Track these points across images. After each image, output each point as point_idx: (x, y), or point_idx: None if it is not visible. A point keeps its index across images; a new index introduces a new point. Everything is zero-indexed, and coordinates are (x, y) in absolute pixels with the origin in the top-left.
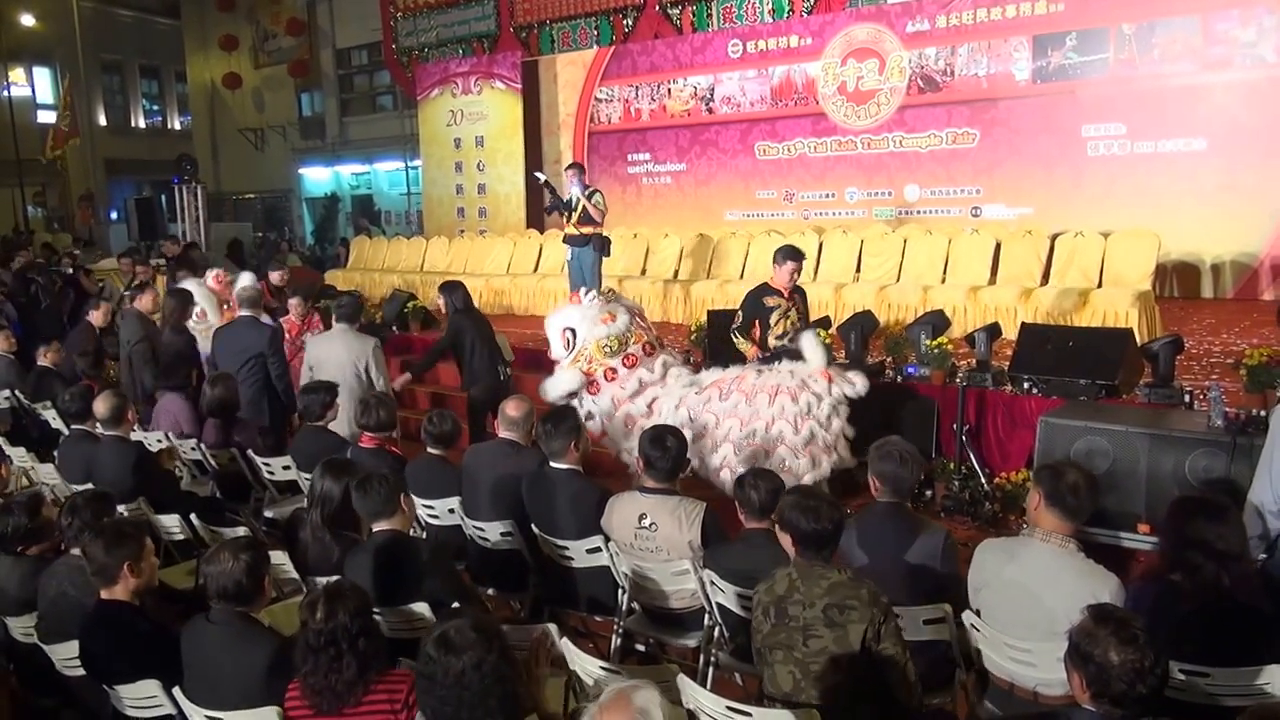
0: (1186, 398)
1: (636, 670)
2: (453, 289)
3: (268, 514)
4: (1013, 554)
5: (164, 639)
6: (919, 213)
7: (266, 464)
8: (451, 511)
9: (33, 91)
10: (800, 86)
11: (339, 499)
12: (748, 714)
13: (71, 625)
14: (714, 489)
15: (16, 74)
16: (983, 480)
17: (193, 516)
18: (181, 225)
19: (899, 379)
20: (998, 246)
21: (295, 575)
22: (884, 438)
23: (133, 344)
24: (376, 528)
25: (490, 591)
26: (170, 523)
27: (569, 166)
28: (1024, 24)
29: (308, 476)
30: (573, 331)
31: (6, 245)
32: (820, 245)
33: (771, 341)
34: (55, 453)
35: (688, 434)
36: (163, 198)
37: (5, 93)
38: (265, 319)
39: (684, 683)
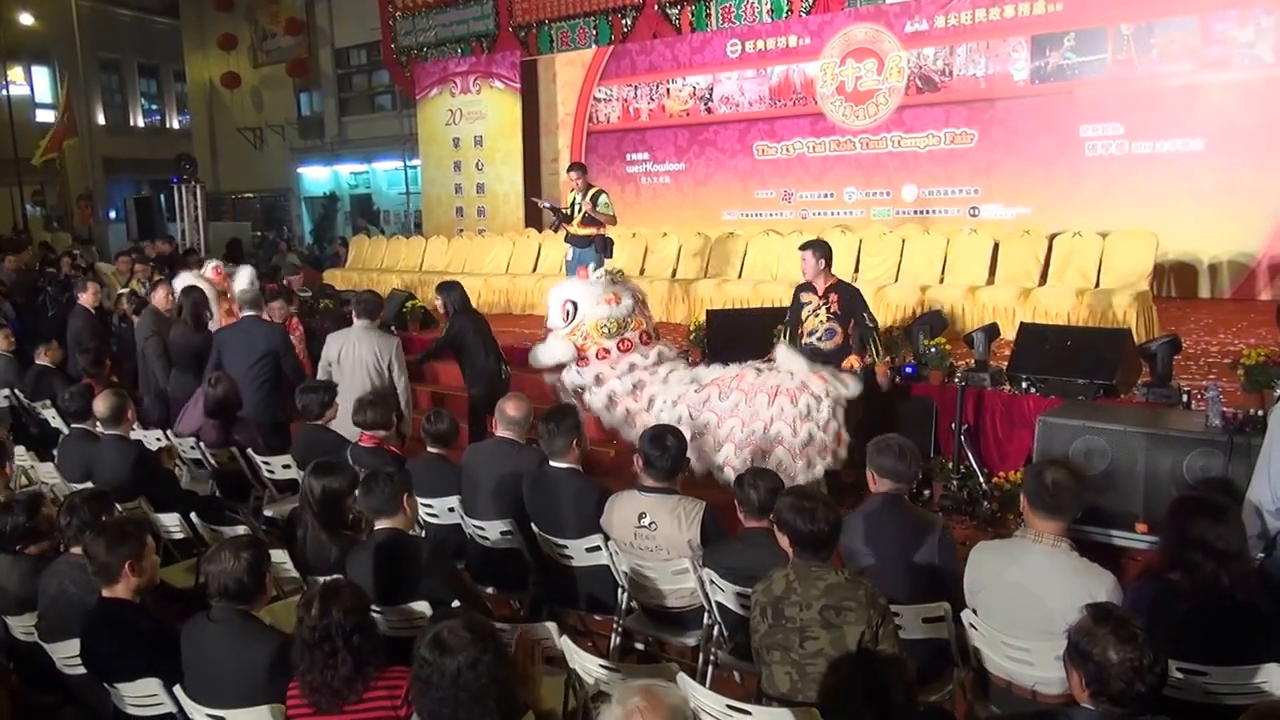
0: (1184, 397)
1: (636, 669)
2: (450, 289)
3: (267, 513)
4: (1008, 556)
5: (165, 637)
6: (917, 213)
7: (266, 463)
8: (451, 510)
9: (31, 91)
10: (799, 86)
11: (328, 499)
12: (747, 712)
13: (72, 624)
14: (712, 488)
15: (15, 73)
16: (981, 480)
17: (193, 515)
18: (180, 225)
19: (897, 379)
20: (996, 246)
21: (295, 574)
22: (882, 435)
23: (145, 339)
24: (378, 525)
25: (490, 590)
26: (170, 521)
27: (570, 168)
28: (1022, 24)
29: None
30: (574, 305)
31: (5, 245)
32: None
33: (804, 339)
34: (55, 452)
35: (686, 432)
36: (161, 197)
37: (4, 92)
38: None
39: (683, 681)
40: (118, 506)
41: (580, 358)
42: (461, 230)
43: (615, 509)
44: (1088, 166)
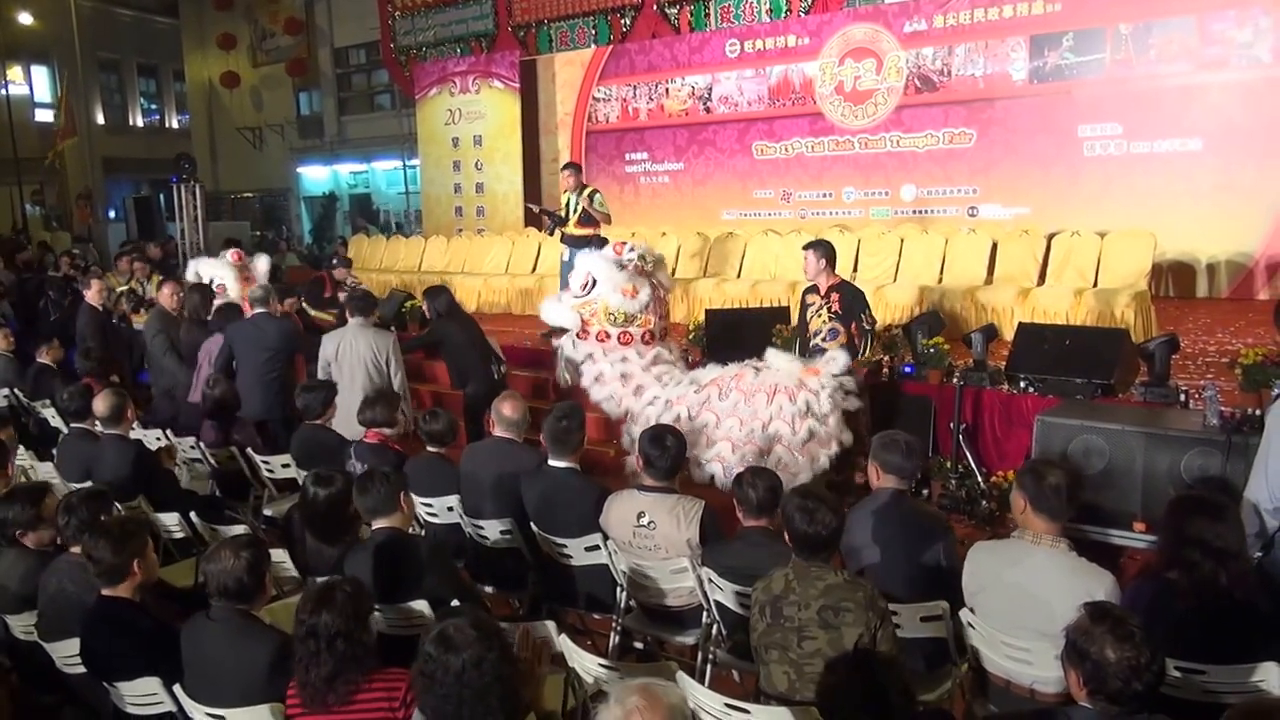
0: (1182, 397)
1: (635, 668)
2: (436, 294)
3: (267, 512)
4: (1007, 558)
5: (165, 636)
6: (916, 212)
7: (266, 462)
8: (450, 510)
9: (30, 90)
10: (798, 86)
11: (330, 507)
12: (746, 711)
13: (71, 623)
14: (712, 490)
15: (14, 73)
16: (979, 479)
17: (192, 515)
18: (179, 224)
19: (896, 378)
20: (994, 246)
21: (296, 573)
22: (886, 430)
23: (152, 337)
24: (376, 525)
25: (489, 590)
26: (170, 521)
27: (564, 167)
28: (1021, 24)
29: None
30: (594, 281)
31: (4, 246)
32: None
33: (812, 341)
34: (54, 451)
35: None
36: (161, 197)
37: (3, 91)
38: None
39: (682, 680)
40: (117, 506)
41: (581, 330)
42: (461, 230)
43: (614, 508)
44: (1086, 166)
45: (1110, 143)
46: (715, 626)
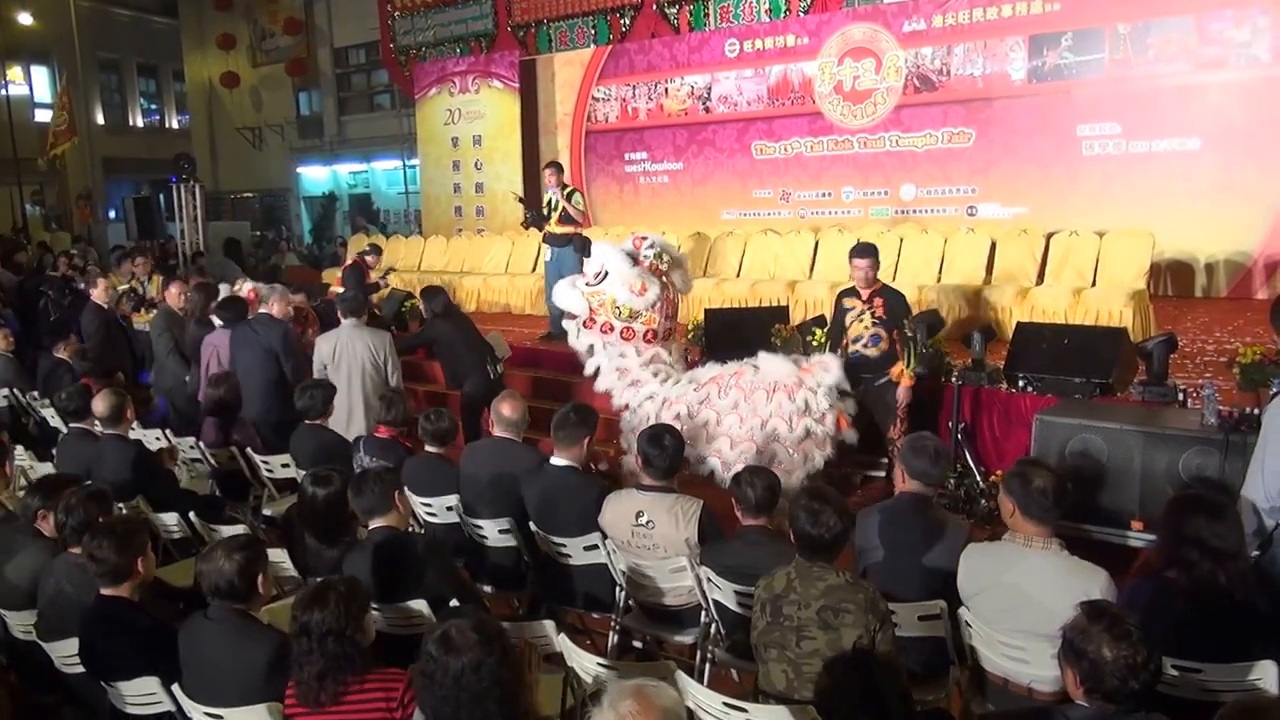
0: (1180, 396)
1: (634, 667)
2: (433, 295)
3: (266, 512)
4: (1003, 561)
5: (164, 635)
6: (915, 212)
7: (265, 462)
8: (450, 509)
9: (30, 90)
10: (797, 86)
11: (325, 506)
12: (744, 710)
13: (70, 624)
14: (711, 487)
15: (14, 73)
16: (978, 478)
17: (191, 515)
18: (179, 224)
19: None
20: (993, 245)
21: (295, 573)
22: (918, 432)
23: (158, 337)
24: (372, 525)
25: (488, 589)
26: (169, 521)
27: (547, 165)
28: (1020, 24)
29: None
30: (606, 273)
31: (4, 245)
32: (816, 244)
33: (850, 347)
34: (54, 451)
35: (679, 427)
36: (160, 197)
37: (3, 91)
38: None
39: (681, 679)
40: (119, 505)
41: (589, 318)
42: (460, 230)
43: (613, 507)
44: (1085, 166)
45: (1109, 142)
46: (714, 626)
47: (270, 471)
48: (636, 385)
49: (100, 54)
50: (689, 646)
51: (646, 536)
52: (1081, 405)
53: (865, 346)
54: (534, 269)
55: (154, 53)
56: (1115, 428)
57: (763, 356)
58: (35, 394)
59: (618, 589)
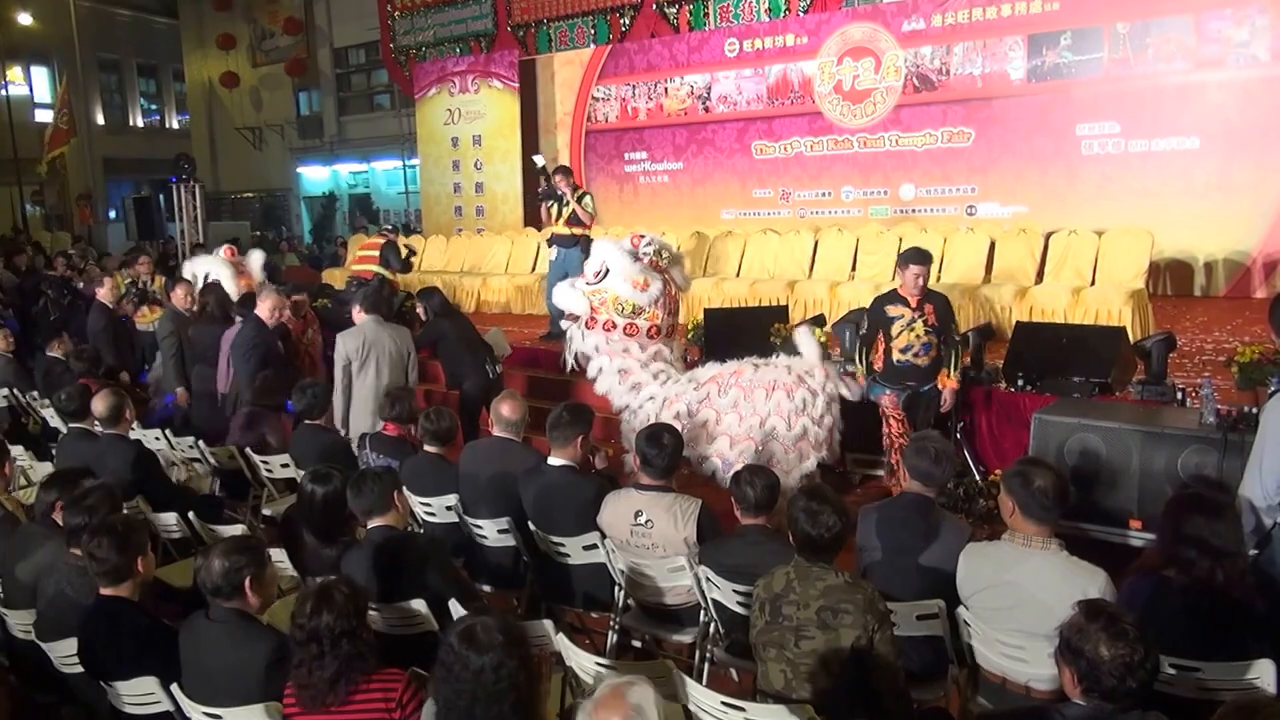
0: (1179, 395)
1: (633, 666)
2: (430, 294)
3: (265, 512)
4: (1002, 561)
5: (163, 635)
6: (914, 211)
7: (265, 462)
8: (449, 509)
9: (30, 91)
10: (796, 85)
11: (324, 505)
12: (742, 709)
13: (68, 625)
14: (709, 486)
15: (14, 73)
16: (977, 477)
17: (191, 515)
18: (179, 224)
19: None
20: (992, 245)
21: (294, 573)
22: (922, 432)
23: (164, 338)
24: (371, 524)
25: (487, 588)
26: (168, 521)
27: (556, 170)
28: (1019, 23)
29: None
30: (607, 270)
31: (4, 246)
32: (816, 244)
33: (895, 356)
34: (53, 450)
35: (679, 426)
36: (160, 197)
37: (3, 92)
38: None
39: (679, 678)
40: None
41: (590, 318)
42: (460, 229)
43: (611, 507)
44: (1084, 165)
45: (1108, 141)
46: (712, 625)
47: (270, 471)
48: (638, 389)
49: (100, 54)
50: (688, 646)
51: (645, 536)
52: (1080, 404)
53: (916, 355)
54: (533, 269)
55: (154, 53)
56: (1114, 427)
57: (800, 333)
58: (35, 394)
59: (616, 588)
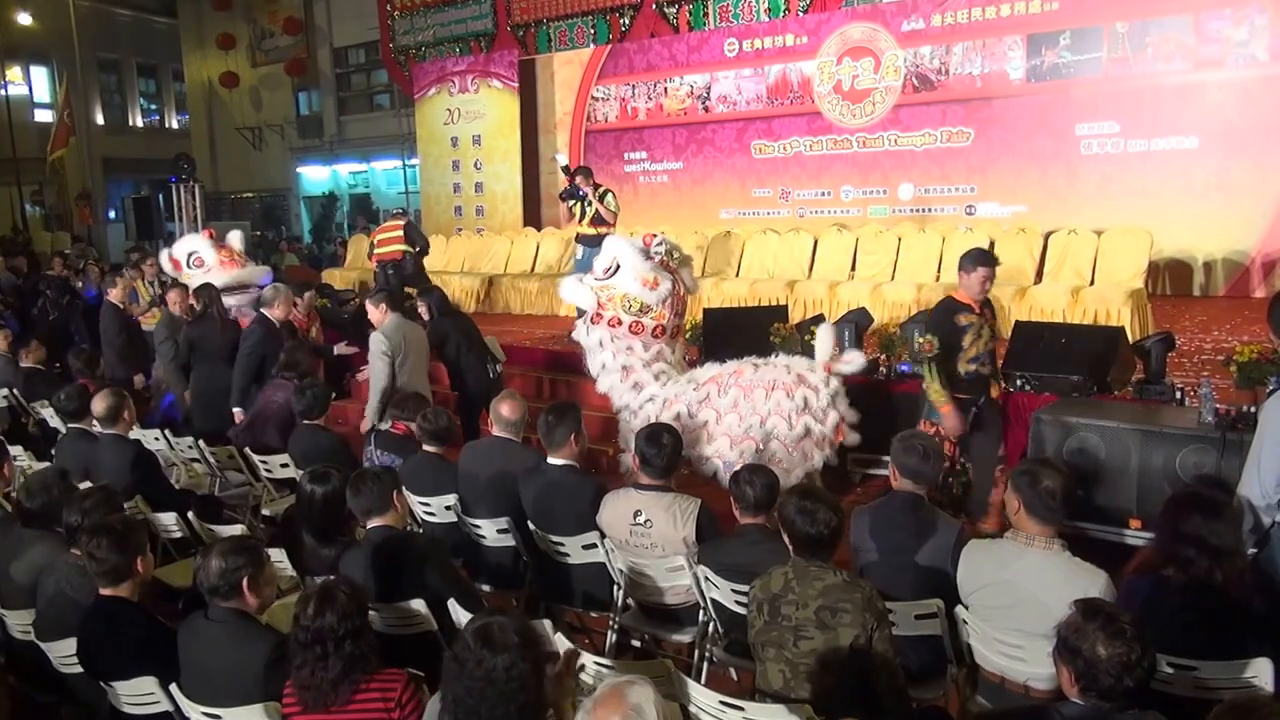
0: (1178, 394)
1: (632, 666)
2: (431, 294)
3: (265, 512)
4: (1002, 559)
5: (162, 635)
6: (914, 211)
7: (264, 462)
8: (449, 509)
9: (30, 90)
10: (796, 85)
11: (323, 504)
12: (741, 709)
13: (68, 625)
14: (708, 486)
15: (13, 73)
16: (972, 476)
17: (190, 514)
18: (179, 224)
19: (892, 376)
20: (992, 244)
21: (294, 573)
22: (909, 430)
23: (160, 343)
24: (370, 524)
25: (487, 588)
26: (168, 521)
27: (578, 170)
28: (1018, 23)
29: None
30: (618, 267)
31: (5, 247)
32: (815, 243)
33: (963, 368)
34: (52, 451)
35: (679, 427)
36: (160, 197)
37: (2, 91)
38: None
39: (679, 678)
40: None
41: (596, 314)
42: (460, 229)
43: (610, 506)
44: (1083, 165)
45: (1107, 141)
46: (711, 624)
47: (269, 471)
48: (639, 388)
49: (100, 54)
50: (687, 645)
51: (644, 535)
52: (1079, 403)
53: (983, 365)
54: (532, 269)
55: (154, 53)
56: (1113, 426)
57: (821, 330)
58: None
59: (616, 588)
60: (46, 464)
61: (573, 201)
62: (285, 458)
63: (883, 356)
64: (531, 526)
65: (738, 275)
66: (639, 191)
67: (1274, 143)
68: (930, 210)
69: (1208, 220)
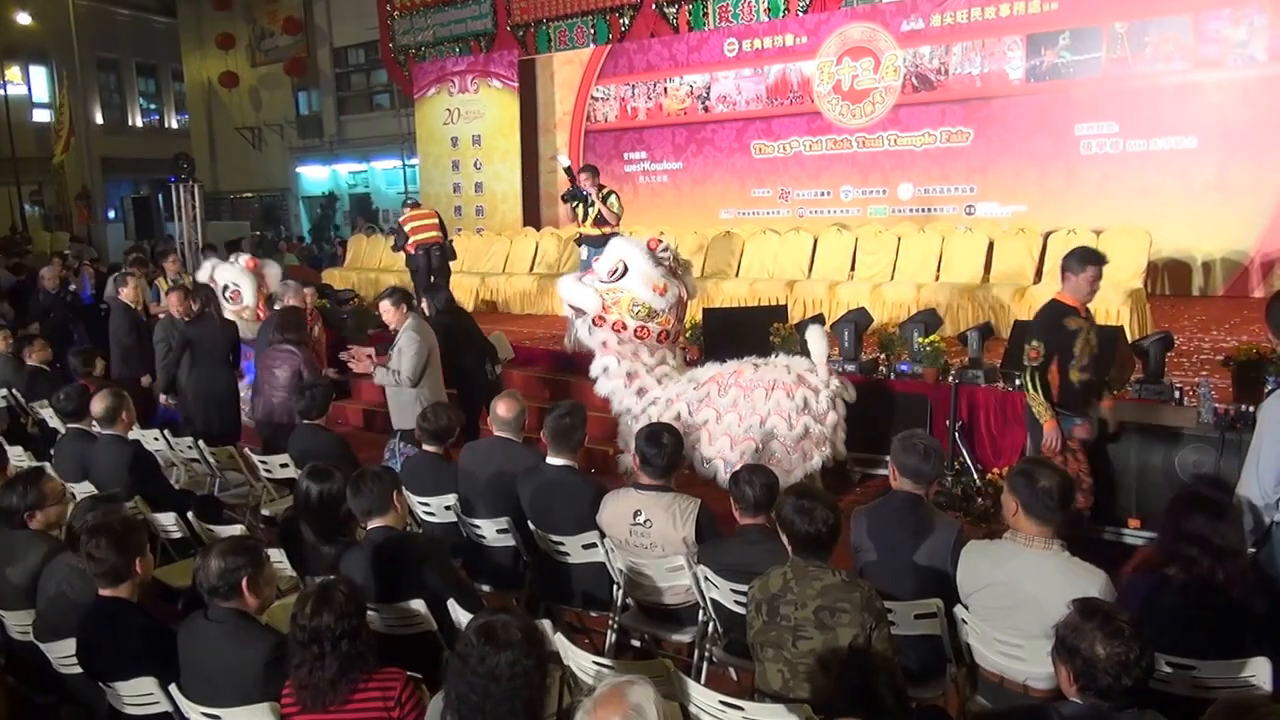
0: (1176, 394)
1: (631, 665)
2: (435, 292)
3: (265, 512)
4: (1001, 561)
5: (162, 635)
6: (913, 211)
7: (264, 462)
8: (448, 509)
9: (29, 90)
10: (796, 85)
11: (321, 503)
12: (740, 708)
13: (67, 626)
14: (708, 486)
15: (13, 73)
16: (975, 476)
17: (189, 515)
18: (178, 224)
19: (892, 376)
20: (991, 244)
21: (293, 573)
22: (909, 429)
23: (156, 343)
24: (371, 525)
25: (486, 588)
26: (167, 521)
27: (581, 170)
28: (1018, 23)
29: None
30: (625, 269)
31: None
32: (815, 243)
33: (1075, 376)
34: (52, 451)
35: (678, 425)
36: (159, 197)
37: (2, 91)
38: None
39: (678, 678)
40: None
41: (599, 316)
42: (460, 229)
43: (610, 506)
44: (1082, 164)
45: (1106, 141)
46: (711, 624)
47: (269, 471)
48: (643, 393)
49: (99, 54)
50: (687, 645)
51: (644, 535)
52: None
53: (1093, 373)
54: (531, 269)
55: (153, 52)
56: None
57: (810, 331)
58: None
59: (615, 587)
60: (46, 464)
61: (575, 203)
62: (285, 458)
63: (882, 356)
64: (531, 526)
65: (738, 275)
66: (639, 191)
67: (1273, 142)
68: (930, 210)
69: (1207, 220)
